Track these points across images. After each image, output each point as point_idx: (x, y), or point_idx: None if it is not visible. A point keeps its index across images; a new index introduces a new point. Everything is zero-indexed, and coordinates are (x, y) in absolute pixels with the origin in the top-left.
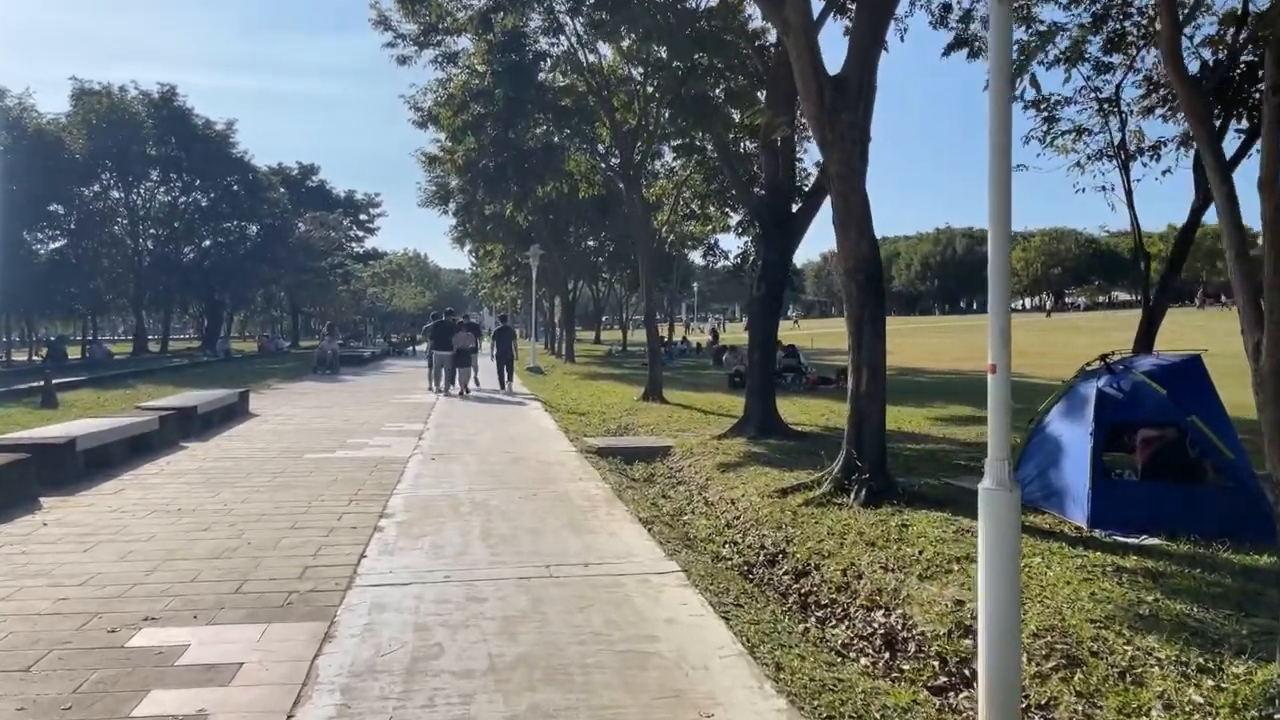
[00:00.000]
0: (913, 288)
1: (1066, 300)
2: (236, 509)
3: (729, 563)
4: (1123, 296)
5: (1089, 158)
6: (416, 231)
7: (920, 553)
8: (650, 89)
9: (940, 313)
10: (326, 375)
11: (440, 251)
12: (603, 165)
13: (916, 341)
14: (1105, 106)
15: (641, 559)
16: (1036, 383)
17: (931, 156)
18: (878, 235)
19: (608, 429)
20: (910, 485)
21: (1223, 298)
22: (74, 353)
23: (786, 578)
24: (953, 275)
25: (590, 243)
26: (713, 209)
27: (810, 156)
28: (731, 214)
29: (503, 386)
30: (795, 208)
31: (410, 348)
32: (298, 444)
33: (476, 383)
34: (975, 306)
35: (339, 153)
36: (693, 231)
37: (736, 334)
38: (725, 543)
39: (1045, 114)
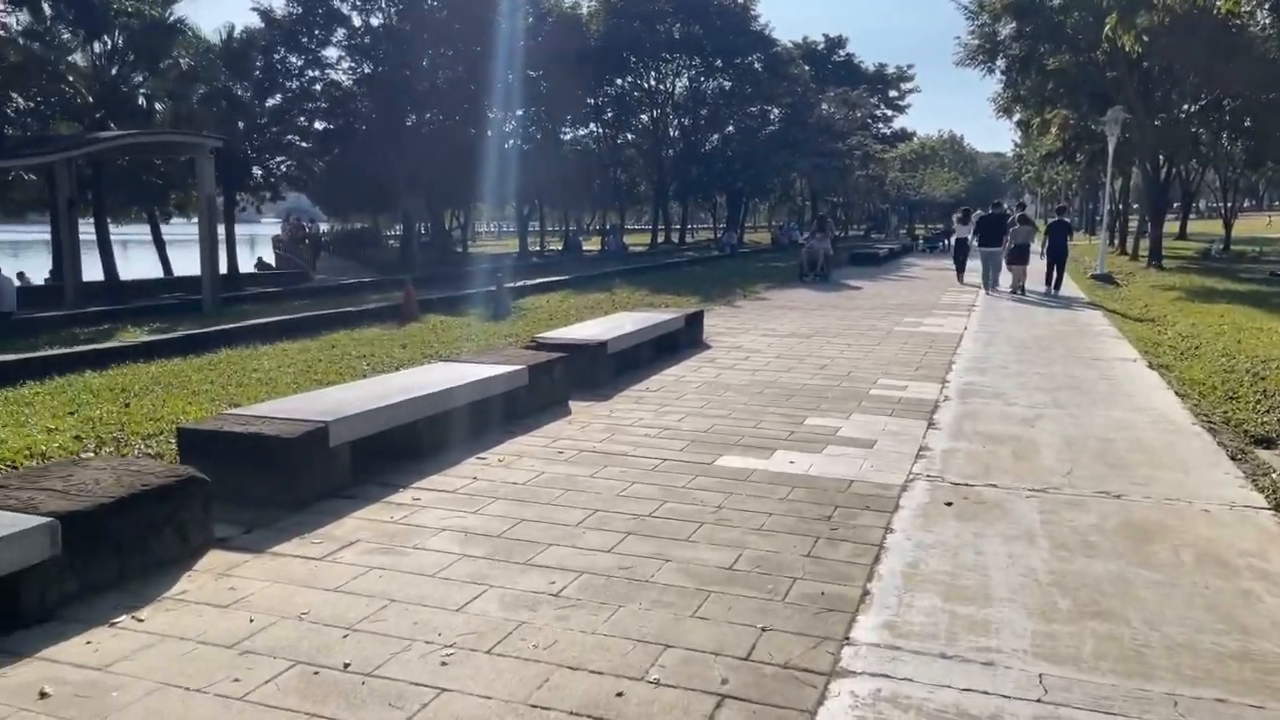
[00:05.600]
0: None
1: None
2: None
3: None
4: None
5: None
6: (950, 113)
7: None
8: None
9: None
10: (819, 283)
11: (977, 133)
12: None
13: None
14: None
15: None
16: None
17: None
18: None
19: None
20: None
21: None
22: (593, 245)
23: None
24: None
25: (1187, 106)
26: None
27: None
28: None
29: (1052, 287)
30: None
31: (942, 241)
32: (724, 422)
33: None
34: None
35: (864, 33)
36: None
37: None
38: None
39: None
